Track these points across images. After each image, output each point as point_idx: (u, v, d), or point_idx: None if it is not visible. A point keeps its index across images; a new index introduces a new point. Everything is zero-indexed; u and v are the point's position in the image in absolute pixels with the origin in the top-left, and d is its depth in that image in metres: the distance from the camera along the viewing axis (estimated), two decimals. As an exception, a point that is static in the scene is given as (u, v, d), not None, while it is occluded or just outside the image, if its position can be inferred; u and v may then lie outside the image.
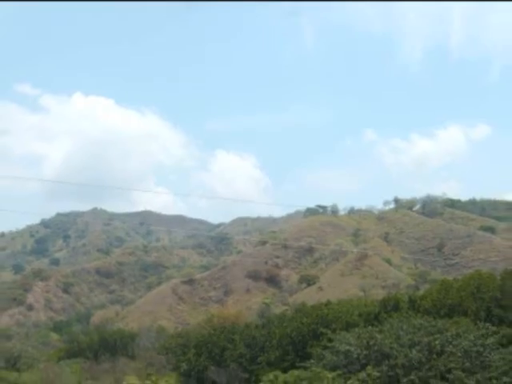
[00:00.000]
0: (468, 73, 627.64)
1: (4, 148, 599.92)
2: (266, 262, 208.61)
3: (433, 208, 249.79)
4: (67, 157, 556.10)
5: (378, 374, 42.24)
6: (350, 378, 40.24)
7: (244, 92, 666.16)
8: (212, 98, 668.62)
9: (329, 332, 57.12)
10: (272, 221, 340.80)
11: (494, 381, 41.91)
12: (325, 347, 52.43)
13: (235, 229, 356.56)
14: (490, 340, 46.23)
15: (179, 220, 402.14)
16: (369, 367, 43.04)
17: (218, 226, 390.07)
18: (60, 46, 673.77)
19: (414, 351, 43.83)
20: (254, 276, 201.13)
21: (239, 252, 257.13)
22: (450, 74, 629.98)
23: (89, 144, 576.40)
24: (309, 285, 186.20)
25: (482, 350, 44.76)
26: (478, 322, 51.68)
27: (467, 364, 42.88)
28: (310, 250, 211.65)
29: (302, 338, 68.25)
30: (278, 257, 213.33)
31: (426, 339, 45.23)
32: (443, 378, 41.63)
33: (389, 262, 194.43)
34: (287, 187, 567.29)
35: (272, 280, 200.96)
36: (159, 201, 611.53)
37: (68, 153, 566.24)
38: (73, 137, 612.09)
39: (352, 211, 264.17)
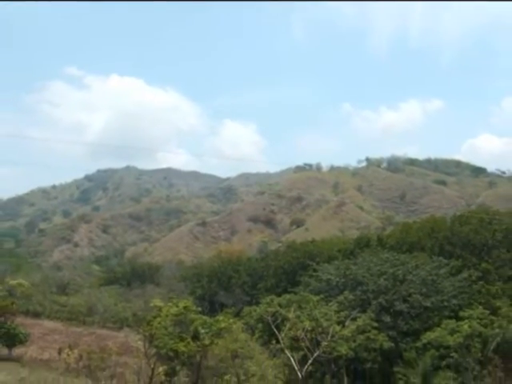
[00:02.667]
0: (424, 58, 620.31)
1: (56, 118, 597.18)
2: (264, 209, 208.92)
3: (396, 165, 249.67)
4: (106, 125, 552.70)
5: (352, 298, 42.31)
6: (330, 301, 40.25)
7: (247, 73, 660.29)
8: (221, 79, 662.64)
9: (314, 264, 57.15)
10: (268, 175, 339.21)
11: (446, 303, 42.01)
12: (310, 276, 52.54)
13: (239, 182, 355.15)
14: (442, 270, 46.26)
15: (195, 175, 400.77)
16: (345, 292, 43.08)
17: (226, 179, 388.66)
18: (100, 36, 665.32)
19: (381, 279, 43.82)
20: (254, 219, 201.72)
21: (242, 200, 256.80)
22: (410, 58, 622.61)
23: (123, 115, 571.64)
24: (298, 227, 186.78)
25: (435, 278, 44.79)
26: (432, 256, 51.72)
27: (424, 290, 42.92)
28: (299, 199, 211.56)
29: (292, 268, 68.46)
30: (273, 204, 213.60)
31: (391, 270, 45.21)
32: (405, 301, 41.69)
33: (361, 208, 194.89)
34: (281, 148, 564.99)
35: (269, 223, 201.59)
36: (179, 159, 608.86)
37: (106, 121, 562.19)
38: (110, 109, 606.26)
39: (332, 168, 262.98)
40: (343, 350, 32.96)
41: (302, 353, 28.47)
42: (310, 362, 26.92)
